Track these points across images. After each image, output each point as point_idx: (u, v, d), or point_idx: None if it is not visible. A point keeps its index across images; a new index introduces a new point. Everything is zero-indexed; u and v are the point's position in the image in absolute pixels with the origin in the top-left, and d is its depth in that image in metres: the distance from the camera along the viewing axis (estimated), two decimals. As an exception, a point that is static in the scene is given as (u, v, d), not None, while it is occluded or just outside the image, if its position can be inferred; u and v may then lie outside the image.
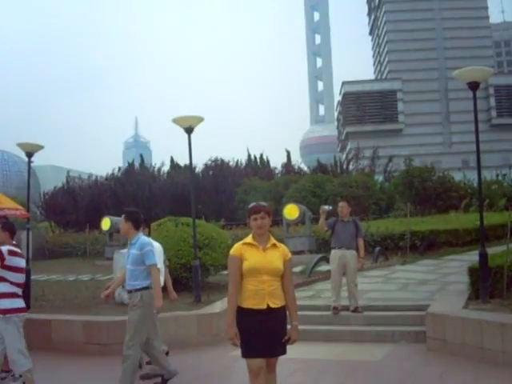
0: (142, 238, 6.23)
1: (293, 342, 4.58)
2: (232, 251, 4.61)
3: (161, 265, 7.07)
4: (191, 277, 10.60)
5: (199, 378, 6.85)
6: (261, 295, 4.43)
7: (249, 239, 4.62)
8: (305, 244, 16.76)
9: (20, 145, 12.53)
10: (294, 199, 20.92)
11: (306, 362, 7.29)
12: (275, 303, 4.47)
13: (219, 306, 9.32)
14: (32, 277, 13.22)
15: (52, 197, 35.86)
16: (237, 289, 4.50)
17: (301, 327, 8.54)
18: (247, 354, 4.47)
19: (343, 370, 6.86)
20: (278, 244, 4.65)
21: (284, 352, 4.61)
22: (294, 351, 7.67)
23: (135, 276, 6.04)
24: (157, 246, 7.02)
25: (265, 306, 4.43)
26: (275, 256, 4.54)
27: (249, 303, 4.45)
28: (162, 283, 6.99)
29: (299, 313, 9.18)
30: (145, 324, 6.05)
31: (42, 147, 12.72)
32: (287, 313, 4.65)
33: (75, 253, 24.58)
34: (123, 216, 6.31)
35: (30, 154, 12.55)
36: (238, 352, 4.54)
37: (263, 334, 4.43)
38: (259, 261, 4.48)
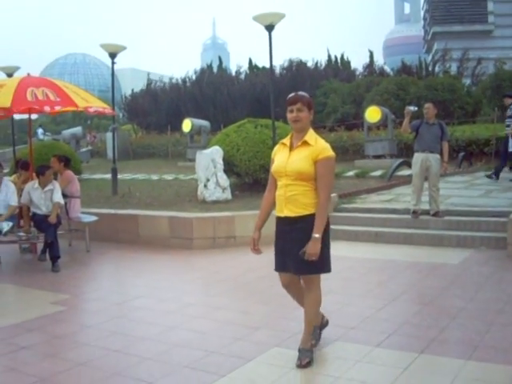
0: None
1: (308, 256, 3.73)
2: None
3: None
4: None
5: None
6: (280, 201, 3.93)
7: (286, 138, 4.04)
8: (385, 148, 16.46)
9: (103, 46, 12.98)
10: (376, 102, 20.32)
11: (383, 263, 7.37)
12: (293, 211, 3.84)
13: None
14: (118, 176, 13.96)
15: (133, 99, 36.67)
16: (270, 191, 4.08)
17: (378, 229, 8.77)
18: (274, 265, 4.10)
19: (419, 271, 6.89)
20: (313, 141, 3.85)
21: (303, 272, 3.91)
22: (371, 252, 7.85)
23: None
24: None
25: (283, 214, 3.91)
26: (300, 156, 3.83)
27: (276, 210, 4.02)
28: None
29: (377, 215, 9.36)
30: None
31: (124, 48, 13.21)
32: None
33: (157, 154, 25.46)
34: None
35: (113, 55, 13.17)
36: None
37: (280, 246, 3.98)
38: (281, 162, 3.91)
